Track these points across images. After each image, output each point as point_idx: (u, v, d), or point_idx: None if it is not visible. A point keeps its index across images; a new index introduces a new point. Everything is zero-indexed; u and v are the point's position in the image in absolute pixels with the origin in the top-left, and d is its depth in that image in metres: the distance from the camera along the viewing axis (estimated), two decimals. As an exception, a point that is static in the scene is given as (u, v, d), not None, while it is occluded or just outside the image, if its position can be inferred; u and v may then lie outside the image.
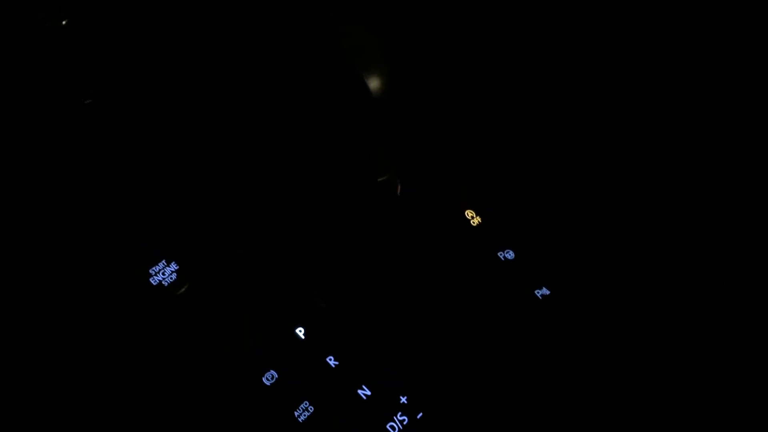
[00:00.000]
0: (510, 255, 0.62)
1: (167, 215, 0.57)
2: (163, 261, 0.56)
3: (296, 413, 0.51)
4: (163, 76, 0.60)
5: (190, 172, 0.58)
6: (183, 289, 0.55)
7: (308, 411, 0.52)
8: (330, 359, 0.54)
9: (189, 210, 0.57)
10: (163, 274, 0.55)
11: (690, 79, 0.60)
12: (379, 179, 0.54)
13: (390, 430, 0.52)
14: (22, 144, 0.57)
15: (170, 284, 0.55)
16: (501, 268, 0.62)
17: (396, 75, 0.55)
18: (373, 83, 0.54)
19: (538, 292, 0.60)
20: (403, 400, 0.53)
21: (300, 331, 0.55)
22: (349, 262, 0.55)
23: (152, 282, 0.55)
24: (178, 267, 0.55)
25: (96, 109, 0.60)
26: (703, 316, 0.58)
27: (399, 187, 0.57)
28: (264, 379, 0.52)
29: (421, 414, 0.53)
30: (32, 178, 0.58)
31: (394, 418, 0.53)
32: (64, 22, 0.53)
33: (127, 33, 0.57)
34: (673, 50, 0.59)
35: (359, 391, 0.53)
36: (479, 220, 0.64)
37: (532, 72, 0.63)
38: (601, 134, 0.63)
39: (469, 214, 0.63)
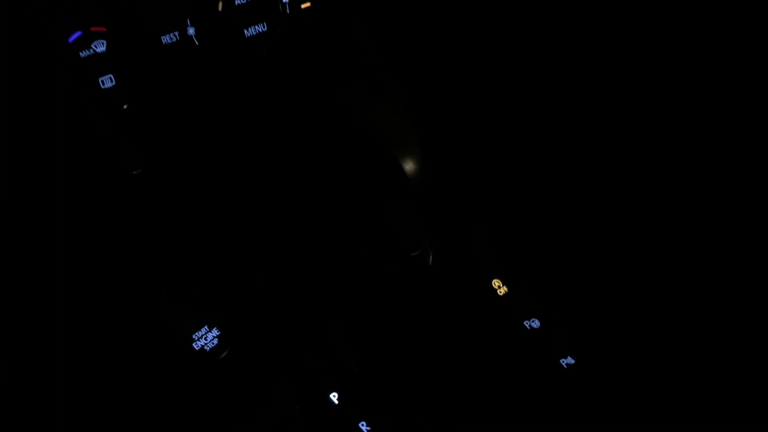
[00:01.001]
0: (536, 324, 0.64)
1: (212, 283, 0.61)
2: (206, 327, 0.59)
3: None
4: (211, 155, 0.65)
5: (236, 245, 0.61)
6: (224, 354, 0.58)
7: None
8: (363, 425, 0.56)
9: (232, 279, 0.61)
10: (206, 339, 0.58)
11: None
12: (412, 254, 0.57)
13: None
14: (80, 208, 0.62)
15: (212, 349, 0.58)
16: (527, 337, 0.63)
17: (429, 157, 0.60)
18: (408, 165, 0.58)
19: (563, 361, 0.61)
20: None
21: (334, 396, 0.57)
22: (384, 329, 0.58)
23: (195, 347, 0.58)
24: (219, 332, 0.58)
25: (144, 179, 0.65)
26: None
27: (431, 258, 0.60)
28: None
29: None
30: (87, 241, 0.62)
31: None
32: (125, 107, 0.58)
33: (179, 117, 0.62)
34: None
35: (392, 455, 0.54)
36: (506, 289, 0.66)
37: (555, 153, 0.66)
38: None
39: (496, 283, 0.66)
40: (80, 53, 0.55)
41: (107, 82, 0.56)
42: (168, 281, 0.62)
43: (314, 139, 0.61)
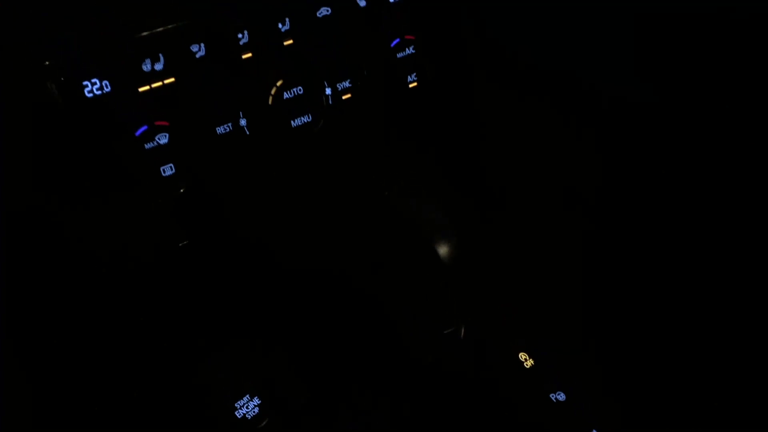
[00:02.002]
0: (561, 397, 0.66)
1: (255, 353, 0.65)
2: (248, 395, 0.63)
3: None
4: (255, 232, 0.70)
5: (278, 317, 0.66)
6: (264, 423, 0.61)
7: None
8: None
9: (274, 349, 0.65)
10: (247, 407, 0.62)
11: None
12: (446, 331, 0.61)
13: None
14: (132, 276, 0.67)
15: (253, 417, 0.61)
16: (552, 410, 0.66)
17: (461, 241, 0.64)
18: (442, 249, 0.63)
19: (588, 435, 0.63)
20: None
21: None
22: (419, 403, 0.61)
23: (237, 415, 0.61)
24: (260, 401, 0.62)
25: (190, 248, 0.69)
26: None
27: (463, 332, 0.64)
28: None
29: None
30: (137, 307, 0.67)
31: None
32: (181, 191, 0.64)
33: (229, 196, 0.68)
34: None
35: None
36: (532, 362, 0.69)
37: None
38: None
39: (522, 356, 0.69)
40: (145, 145, 0.60)
41: (168, 170, 0.62)
42: (212, 350, 0.66)
43: (355, 223, 0.65)
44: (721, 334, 0.64)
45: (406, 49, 0.71)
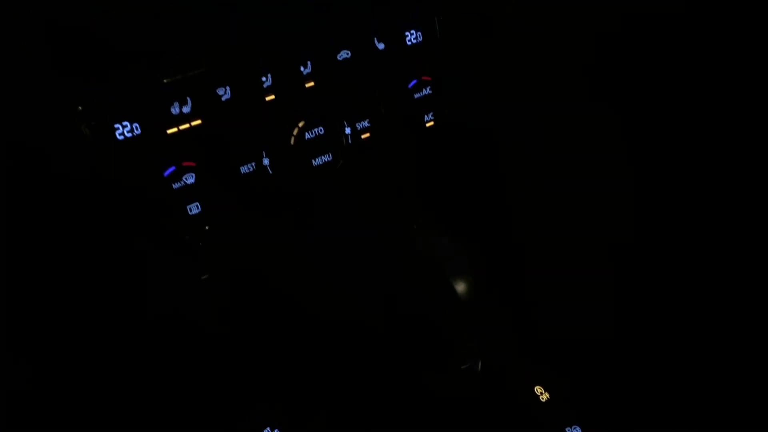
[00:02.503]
0: (577, 431, 0.67)
1: (274, 386, 0.66)
2: (268, 428, 0.64)
3: None
4: (276, 268, 0.72)
5: (295, 352, 0.67)
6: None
7: None
8: None
9: (293, 383, 0.66)
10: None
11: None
12: (463, 366, 0.62)
13: None
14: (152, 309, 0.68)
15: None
16: (569, 444, 0.67)
17: (477, 276, 0.66)
18: (460, 287, 0.64)
19: (605, 469, 0.64)
20: None
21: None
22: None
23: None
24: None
25: (210, 283, 0.71)
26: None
27: (479, 366, 0.65)
28: None
29: None
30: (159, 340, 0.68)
31: None
32: (207, 228, 0.66)
33: (252, 232, 0.69)
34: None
35: None
36: (548, 396, 0.70)
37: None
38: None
39: (538, 390, 0.70)
40: (173, 185, 0.63)
41: (194, 209, 0.64)
42: (231, 382, 0.68)
43: (373, 258, 0.67)
44: (743, 376, 0.65)
45: (423, 90, 0.74)
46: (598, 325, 0.71)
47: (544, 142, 0.72)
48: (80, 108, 0.58)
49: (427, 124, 0.75)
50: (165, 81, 0.61)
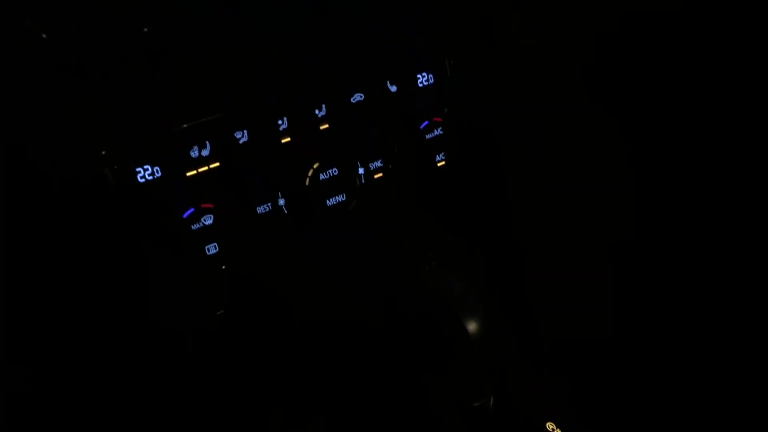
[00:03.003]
0: (586, 465, 0.68)
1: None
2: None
3: None
4: (290, 303, 0.73)
5: (309, 386, 0.68)
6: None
7: None
8: None
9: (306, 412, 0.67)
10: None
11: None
12: (475, 404, 0.63)
13: None
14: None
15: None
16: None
17: (489, 318, 0.67)
18: (471, 325, 0.65)
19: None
20: None
21: None
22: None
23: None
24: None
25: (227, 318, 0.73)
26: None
27: (492, 402, 0.66)
28: None
29: None
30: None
31: None
32: (224, 267, 0.68)
33: (268, 270, 0.71)
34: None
35: None
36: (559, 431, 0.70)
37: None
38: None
39: (550, 426, 0.70)
40: (192, 226, 0.64)
41: (212, 249, 0.66)
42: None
43: (387, 296, 0.68)
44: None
45: (435, 131, 0.76)
46: (610, 363, 0.72)
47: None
48: (104, 152, 0.60)
49: (439, 164, 0.76)
50: (185, 126, 0.63)
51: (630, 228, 0.69)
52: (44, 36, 0.55)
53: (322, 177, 0.70)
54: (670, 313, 0.70)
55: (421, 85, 0.74)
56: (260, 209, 0.68)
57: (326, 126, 0.70)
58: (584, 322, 0.72)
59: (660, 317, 0.70)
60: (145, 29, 0.57)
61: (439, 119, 0.76)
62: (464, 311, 0.65)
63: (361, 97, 0.71)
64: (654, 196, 0.69)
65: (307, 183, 0.69)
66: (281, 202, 0.69)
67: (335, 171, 0.70)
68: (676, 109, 0.66)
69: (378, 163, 0.73)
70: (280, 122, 0.67)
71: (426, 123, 0.75)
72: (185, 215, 0.64)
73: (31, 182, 0.60)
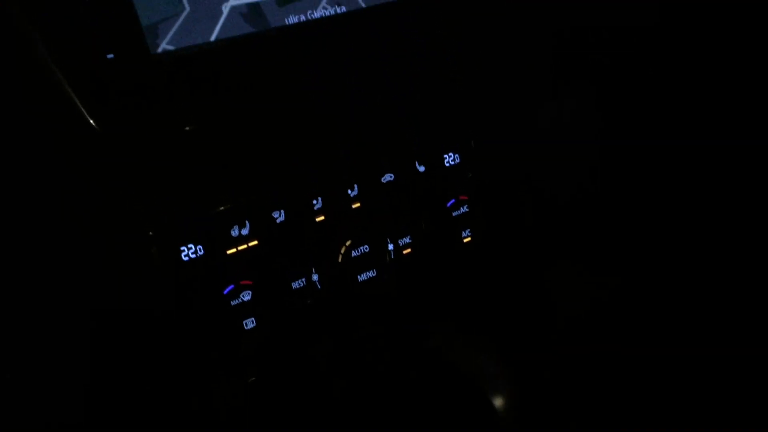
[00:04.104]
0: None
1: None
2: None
3: None
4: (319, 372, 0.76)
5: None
6: None
7: None
8: None
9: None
10: None
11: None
12: None
13: None
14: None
15: None
16: None
17: (515, 391, 0.68)
18: (498, 402, 0.67)
19: None
20: None
21: None
22: None
23: None
24: None
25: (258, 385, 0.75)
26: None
27: None
28: None
29: None
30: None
31: None
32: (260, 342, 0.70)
33: (300, 341, 0.74)
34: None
35: None
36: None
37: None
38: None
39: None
40: (231, 302, 0.68)
41: (249, 324, 0.69)
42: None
43: (413, 370, 0.71)
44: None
45: (461, 208, 0.79)
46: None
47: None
48: (151, 233, 0.64)
49: (465, 240, 0.80)
50: (227, 207, 0.67)
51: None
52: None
53: (354, 254, 0.73)
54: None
55: (447, 165, 0.78)
56: (295, 285, 0.71)
57: (358, 205, 0.73)
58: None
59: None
60: (187, 128, 0.62)
61: (464, 197, 0.79)
62: (488, 385, 0.67)
63: (391, 177, 0.75)
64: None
65: (339, 259, 0.72)
66: (315, 277, 0.72)
67: (366, 248, 0.74)
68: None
69: (407, 240, 0.76)
70: (315, 202, 0.71)
71: (452, 201, 0.78)
72: (225, 292, 0.67)
73: (85, 261, 0.64)
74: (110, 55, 0.57)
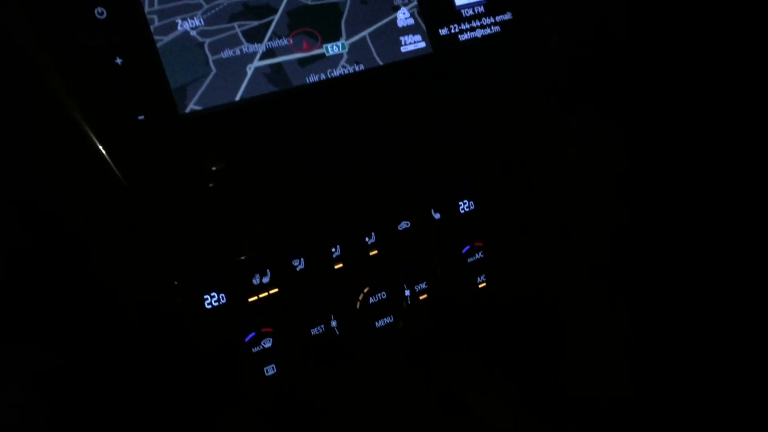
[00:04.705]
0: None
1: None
2: None
3: None
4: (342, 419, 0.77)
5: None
6: None
7: None
8: None
9: None
10: None
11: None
12: None
13: None
14: None
15: None
16: None
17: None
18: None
19: None
20: None
21: None
22: None
23: None
24: None
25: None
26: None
27: None
28: None
29: None
30: None
31: None
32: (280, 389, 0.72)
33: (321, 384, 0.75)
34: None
35: None
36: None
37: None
38: None
39: None
40: (252, 349, 0.69)
41: (270, 370, 0.70)
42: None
43: (432, 416, 0.72)
44: None
45: (476, 254, 0.81)
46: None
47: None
48: (176, 282, 0.67)
49: (480, 286, 0.81)
50: (249, 256, 0.69)
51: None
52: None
53: (371, 300, 0.75)
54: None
55: (462, 212, 0.80)
56: (314, 331, 0.73)
57: (375, 252, 0.75)
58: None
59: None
60: (211, 185, 0.64)
61: (479, 243, 0.81)
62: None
63: (407, 224, 0.77)
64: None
65: (358, 306, 0.74)
66: (333, 323, 0.74)
67: (384, 294, 0.75)
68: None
69: (423, 285, 0.78)
70: (333, 250, 0.73)
71: (467, 247, 0.80)
72: (247, 339, 0.69)
73: (110, 310, 0.66)
74: (141, 117, 0.60)
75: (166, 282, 0.67)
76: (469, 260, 0.80)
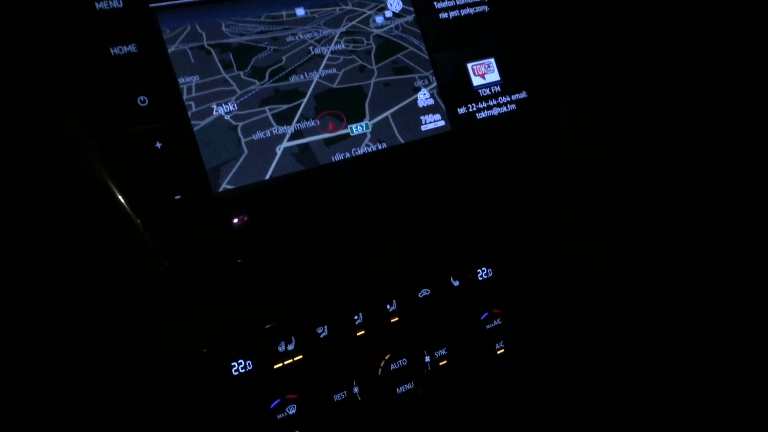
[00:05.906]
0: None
1: None
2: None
3: None
4: None
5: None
6: None
7: None
8: None
9: None
10: None
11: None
12: None
13: None
14: None
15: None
16: None
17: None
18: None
19: None
20: None
21: None
22: None
23: None
24: None
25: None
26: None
27: None
28: None
29: None
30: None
31: None
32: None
33: None
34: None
35: None
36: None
37: None
38: None
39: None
40: (277, 416, 0.72)
41: (296, 438, 0.73)
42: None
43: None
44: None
45: (494, 321, 0.83)
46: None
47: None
48: (205, 350, 0.70)
49: (498, 352, 0.83)
50: (275, 324, 0.72)
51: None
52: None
53: (392, 366, 0.77)
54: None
55: (480, 279, 0.83)
56: (337, 397, 0.75)
57: (396, 319, 0.78)
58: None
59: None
60: (239, 260, 0.68)
61: (497, 310, 0.83)
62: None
63: (427, 292, 0.80)
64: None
65: (379, 373, 0.76)
66: (356, 390, 0.76)
67: (404, 361, 0.77)
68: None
69: (443, 351, 0.80)
70: (356, 317, 0.76)
71: (486, 314, 0.82)
72: (272, 406, 0.72)
73: (139, 374, 0.69)
74: (177, 196, 0.64)
75: (194, 350, 0.70)
76: (488, 327, 0.83)
